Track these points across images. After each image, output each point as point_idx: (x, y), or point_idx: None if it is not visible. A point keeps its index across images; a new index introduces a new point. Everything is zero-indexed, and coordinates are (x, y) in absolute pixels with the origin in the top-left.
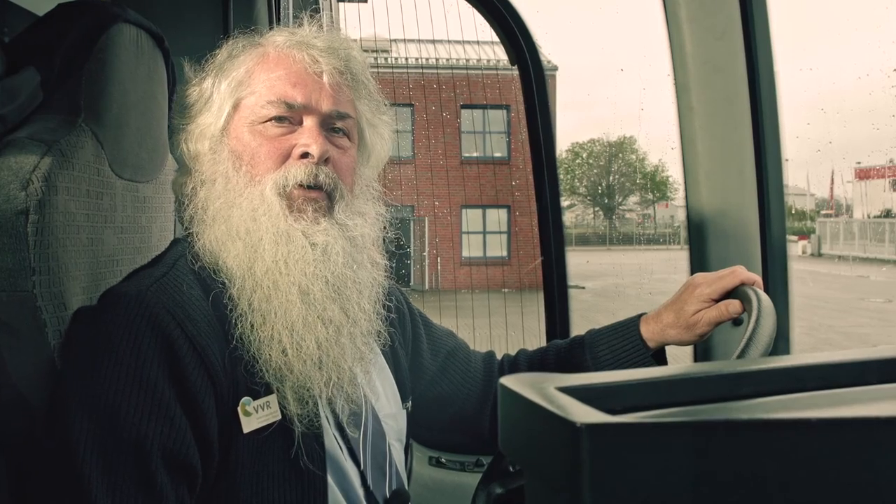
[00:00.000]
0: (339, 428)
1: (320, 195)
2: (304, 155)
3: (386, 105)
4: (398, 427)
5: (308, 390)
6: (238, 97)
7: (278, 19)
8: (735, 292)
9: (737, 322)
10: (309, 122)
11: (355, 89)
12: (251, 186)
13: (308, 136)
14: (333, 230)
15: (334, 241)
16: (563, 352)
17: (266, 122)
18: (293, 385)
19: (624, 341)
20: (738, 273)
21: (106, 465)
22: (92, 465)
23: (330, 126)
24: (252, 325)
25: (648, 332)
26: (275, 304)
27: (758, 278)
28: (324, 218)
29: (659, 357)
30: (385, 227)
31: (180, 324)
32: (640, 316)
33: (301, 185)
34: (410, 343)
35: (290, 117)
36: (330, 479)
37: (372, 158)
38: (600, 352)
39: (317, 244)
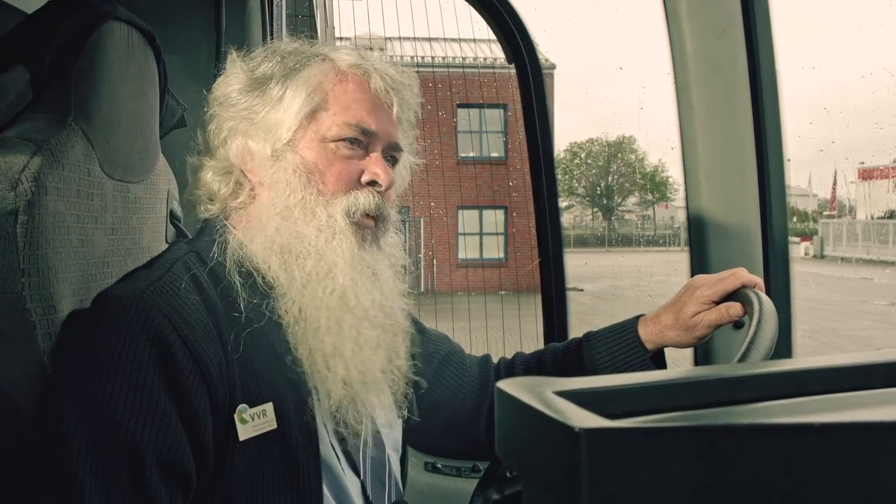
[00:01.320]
0: (339, 439)
1: (374, 224)
2: (372, 183)
3: (415, 139)
4: (394, 436)
5: (351, 404)
6: (313, 109)
7: (271, 18)
8: (736, 294)
9: (738, 325)
10: (377, 150)
11: (407, 122)
12: (321, 206)
13: (377, 165)
14: (384, 260)
15: (386, 271)
16: (559, 355)
17: (339, 140)
18: (339, 400)
19: (622, 343)
20: (740, 275)
21: (100, 471)
22: (85, 470)
23: (388, 156)
24: (304, 339)
25: (647, 333)
26: (332, 326)
27: (759, 280)
28: (377, 249)
29: (658, 359)
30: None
31: (176, 328)
32: (638, 317)
33: (367, 214)
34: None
35: (360, 142)
36: (326, 491)
37: (396, 186)
38: (598, 354)
39: (377, 274)
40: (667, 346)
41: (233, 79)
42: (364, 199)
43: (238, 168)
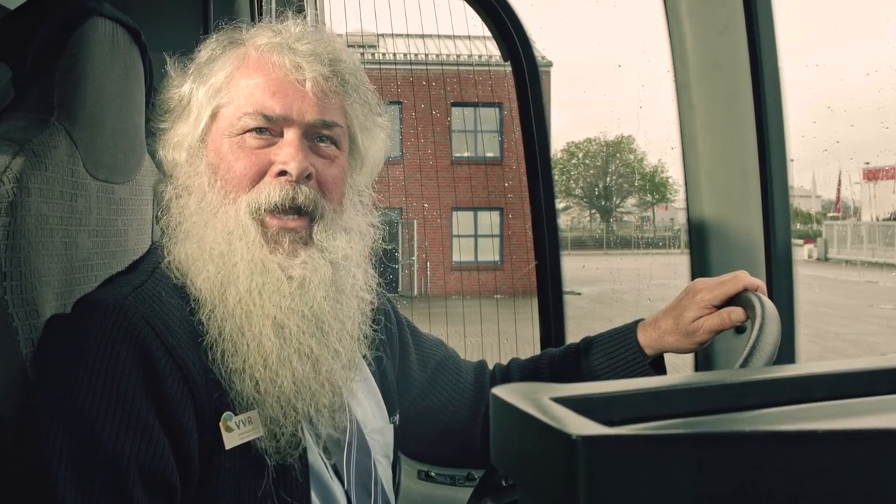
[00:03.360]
0: (323, 447)
1: (299, 223)
2: (282, 172)
3: (381, 107)
4: (385, 442)
5: (280, 426)
6: (217, 105)
7: (260, 13)
8: (737, 298)
9: (740, 330)
10: (290, 134)
11: (345, 94)
12: (225, 205)
13: (287, 153)
14: (312, 261)
15: (312, 274)
16: (556, 360)
17: (244, 133)
18: (265, 418)
19: (620, 349)
20: (741, 278)
21: (80, 483)
22: (66, 481)
23: (315, 136)
24: (223, 354)
25: (646, 338)
26: (248, 336)
27: (761, 284)
28: (303, 248)
29: (657, 365)
30: (379, 239)
31: (159, 335)
32: (637, 322)
33: (276, 212)
34: (398, 353)
35: (269, 129)
36: (314, 499)
37: (366, 165)
38: (596, 360)
39: (293, 278)
40: (666, 352)
41: (169, 86)
42: (267, 193)
43: (170, 177)
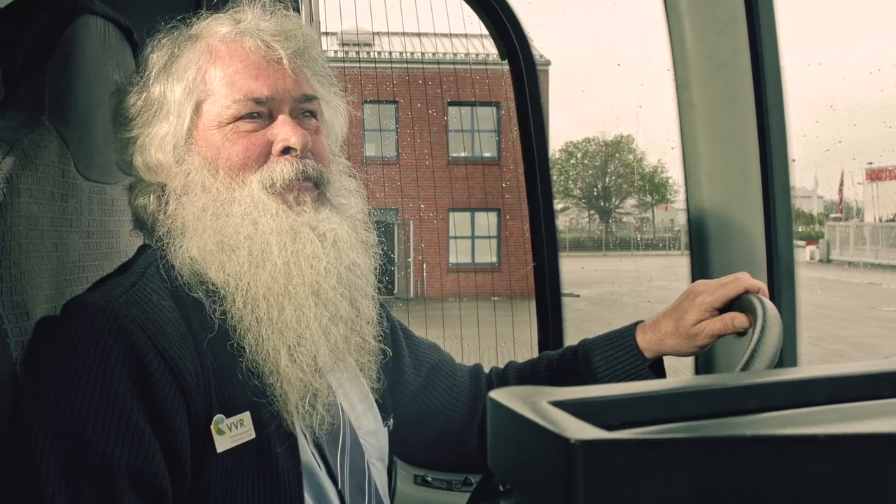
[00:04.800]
0: (317, 445)
1: (311, 185)
2: (286, 150)
3: (334, 76)
4: (379, 446)
5: (316, 396)
6: (197, 100)
7: None
8: (739, 300)
9: (741, 332)
10: (281, 113)
11: (311, 67)
12: (236, 190)
13: (286, 130)
14: (336, 216)
15: (339, 227)
16: (554, 363)
17: (235, 121)
18: (305, 393)
19: (619, 351)
20: (742, 280)
21: (70, 487)
22: (55, 486)
23: (299, 111)
24: (260, 337)
25: (645, 341)
26: (287, 310)
27: (763, 286)
28: (322, 206)
29: (657, 368)
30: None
31: (151, 337)
32: (636, 324)
33: (289, 183)
34: (391, 357)
35: (259, 112)
36: (308, 499)
37: (331, 134)
38: (594, 363)
39: (325, 235)
40: (666, 355)
41: (127, 94)
42: (280, 170)
43: (154, 183)
